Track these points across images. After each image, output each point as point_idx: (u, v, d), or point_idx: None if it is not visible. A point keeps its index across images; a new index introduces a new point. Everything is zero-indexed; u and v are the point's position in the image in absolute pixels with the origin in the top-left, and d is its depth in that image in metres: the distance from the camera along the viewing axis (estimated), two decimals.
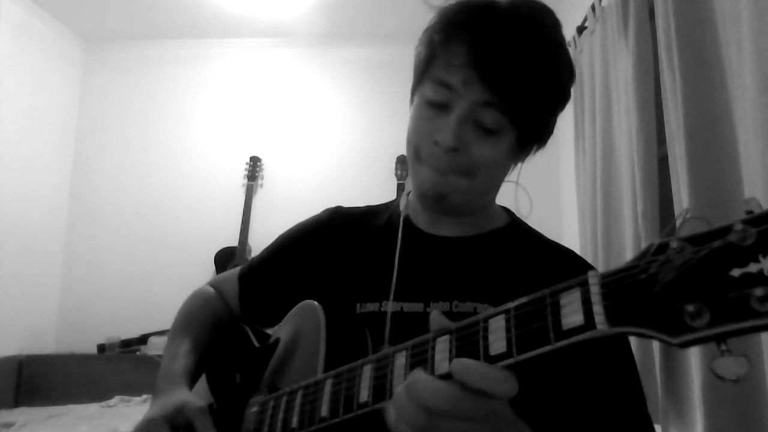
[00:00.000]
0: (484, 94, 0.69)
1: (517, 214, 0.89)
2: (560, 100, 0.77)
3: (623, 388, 0.71)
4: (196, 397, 0.77)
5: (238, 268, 0.99)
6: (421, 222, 0.85)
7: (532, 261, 0.79)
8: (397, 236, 0.84)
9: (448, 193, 0.75)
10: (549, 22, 0.73)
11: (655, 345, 1.67)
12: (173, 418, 0.72)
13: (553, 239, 0.85)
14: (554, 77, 0.73)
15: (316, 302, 0.76)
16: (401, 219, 0.86)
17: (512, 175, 0.84)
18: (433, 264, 0.80)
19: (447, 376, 0.49)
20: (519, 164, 0.83)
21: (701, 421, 1.33)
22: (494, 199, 0.87)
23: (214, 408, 0.78)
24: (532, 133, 0.76)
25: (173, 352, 0.87)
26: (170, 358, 0.86)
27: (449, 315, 0.73)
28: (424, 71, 0.76)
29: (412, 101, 0.80)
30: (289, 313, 0.83)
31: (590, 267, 0.78)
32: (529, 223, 0.88)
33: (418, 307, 0.76)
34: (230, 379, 0.84)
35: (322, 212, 0.94)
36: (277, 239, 0.95)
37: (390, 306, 0.76)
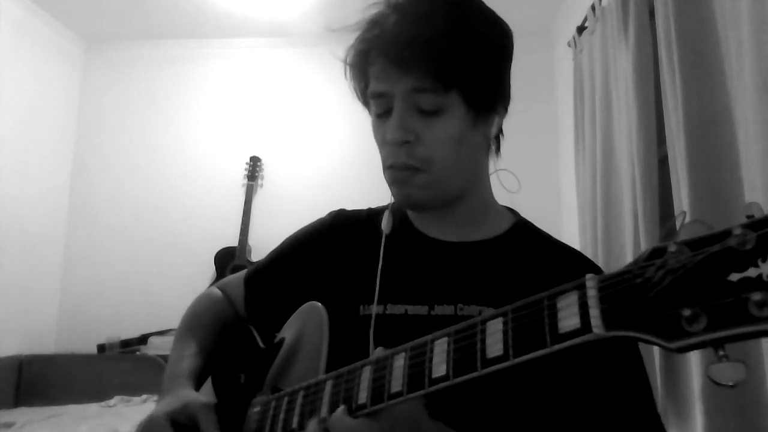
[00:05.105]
0: (409, 81, 0.71)
1: (508, 195, 0.87)
2: (489, 53, 0.74)
3: (634, 393, 0.71)
4: (202, 396, 0.77)
5: (244, 271, 0.99)
6: (426, 226, 0.84)
7: (538, 263, 0.78)
8: (400, 239, 0.84)
9: (416, 196, 0.75)
10: None
11: (655, 346, 1.66)
12: (176, 416, 0.72)
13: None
14: (468, 36, 0.72)
15: (319, 303, 0.77)
16: (383, 222, 0.85)
17: (499, 164, 0.84)
18: (437, 267, 0.80)
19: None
20: (495, 143, 0.82)
21: (701, 422, 1.32)
22: (488, 188, 0.84)
23: (217, 408, 0.78)
24: (478, 98, 0.73)
25: (179, 354, 0.87)
26: (176, 360, 0.86)
27: (453, 318, 0.74)
28: (365, 95, 0.79)
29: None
30: (294, 315, 0.83)
31: (598, 268, 0.77)
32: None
33: (422, 309, 0.76)
34: (234, 379, 0.84)
35: (325, 216, 0.94)
36: (281, 243, 0.96)
37: (375, 309, 0.77)
